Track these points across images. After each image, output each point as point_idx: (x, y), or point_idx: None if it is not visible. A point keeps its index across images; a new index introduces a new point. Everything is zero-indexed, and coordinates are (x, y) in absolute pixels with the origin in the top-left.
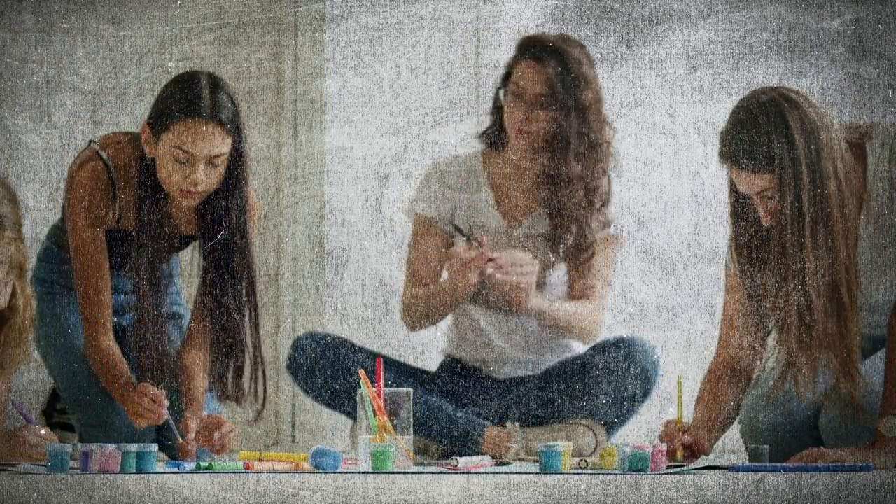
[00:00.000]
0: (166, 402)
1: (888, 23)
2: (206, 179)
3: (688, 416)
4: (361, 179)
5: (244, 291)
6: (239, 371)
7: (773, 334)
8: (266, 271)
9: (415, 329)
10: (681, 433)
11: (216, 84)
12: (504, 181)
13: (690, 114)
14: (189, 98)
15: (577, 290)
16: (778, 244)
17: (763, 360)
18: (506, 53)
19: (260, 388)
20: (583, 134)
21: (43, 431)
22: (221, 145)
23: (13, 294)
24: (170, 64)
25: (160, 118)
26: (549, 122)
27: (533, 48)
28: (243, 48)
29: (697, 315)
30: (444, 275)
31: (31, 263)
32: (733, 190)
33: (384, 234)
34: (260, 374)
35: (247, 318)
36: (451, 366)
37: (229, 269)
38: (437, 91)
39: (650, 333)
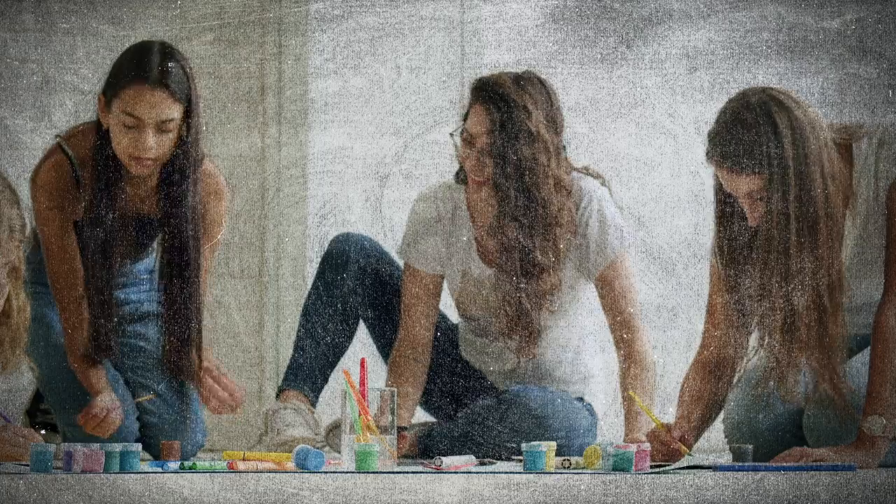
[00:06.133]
0: (115, 405)
1: (888, 23)
2: (156, 146)
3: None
4: (361, 179)
5: (191, 285)
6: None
7: (756, 334)
8: (266, 271)
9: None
10: (669, 434)
11: (167, 53)
12: (479, 220)
13: (690, 114)
14: (138, 65)
15: (617, 328)
16: (764, 245)
17: (746, 360)
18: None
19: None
20: (523, 192)
21: (38, 436)
22: (170, 111)
23: (7, 298)
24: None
25: (111, 86)
26: (493, 170)
27: (483, 91)
28: (243, 48)
29: (697, 315)
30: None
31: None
32: (719, 190)
33: (384, 234)
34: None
35: (192, 314)
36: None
37: (180, 262)
38: (437, 91)
39: (650, 333)
